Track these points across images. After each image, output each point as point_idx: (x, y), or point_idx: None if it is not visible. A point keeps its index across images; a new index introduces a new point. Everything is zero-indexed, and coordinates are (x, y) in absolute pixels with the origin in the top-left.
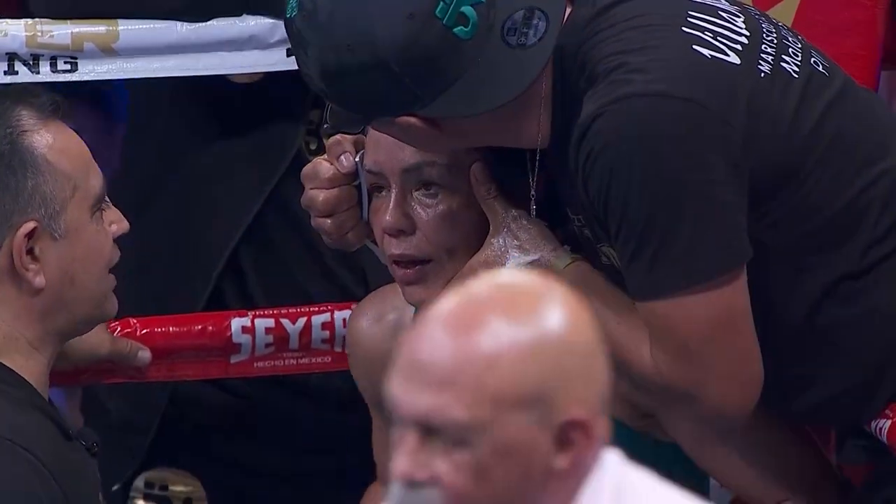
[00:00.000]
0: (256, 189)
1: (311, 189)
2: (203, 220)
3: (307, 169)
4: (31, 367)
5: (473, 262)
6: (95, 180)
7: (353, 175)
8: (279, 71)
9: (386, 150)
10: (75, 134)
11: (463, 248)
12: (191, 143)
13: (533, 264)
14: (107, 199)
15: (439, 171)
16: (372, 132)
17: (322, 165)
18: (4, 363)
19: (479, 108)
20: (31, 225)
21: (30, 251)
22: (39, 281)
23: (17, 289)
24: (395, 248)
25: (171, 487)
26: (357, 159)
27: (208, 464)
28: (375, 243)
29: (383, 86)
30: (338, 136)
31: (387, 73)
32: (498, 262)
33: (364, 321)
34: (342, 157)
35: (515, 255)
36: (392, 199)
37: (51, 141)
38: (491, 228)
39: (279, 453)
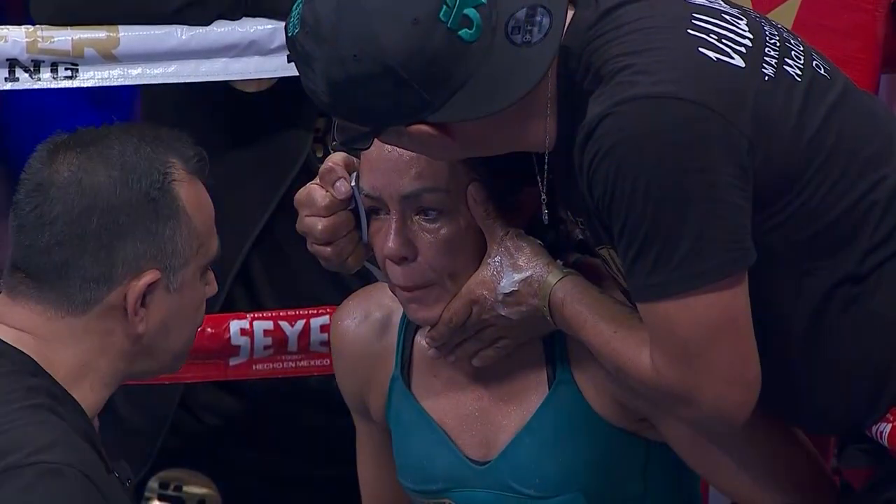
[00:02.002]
0: (266, 197)
1: (308, 217)
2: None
3: (301, 196)
4: (92, 400)
5: (471, 283)
6: (214, 243)
7: (349, 199)
8: (286, 78)
9: (383, 175)
10: (208, 194)
11: (465, 270)
12: None
13: (526, 280)
14: None
15: (438, 196)
16: (366, 155)
17: (317, 192)
18: (71, 393)
19: (490, 108)
20: (155, 275)
21: (142, 298)
22: (142, 328)
23: (119, 327)
24: (398, 274)
25: (186, 488)
26: (353, 183)
27: (221, 469)
28: (374, 263)
29: (392, 94)
30: (329, 163)
31: (395, 81)
32: (494, 281)
33: (350, 321)
34: (337, 183)
35: (509, 273)
36: (393, 226)
37: (193, 196)
38: (488, 248)
39: (292, 459)
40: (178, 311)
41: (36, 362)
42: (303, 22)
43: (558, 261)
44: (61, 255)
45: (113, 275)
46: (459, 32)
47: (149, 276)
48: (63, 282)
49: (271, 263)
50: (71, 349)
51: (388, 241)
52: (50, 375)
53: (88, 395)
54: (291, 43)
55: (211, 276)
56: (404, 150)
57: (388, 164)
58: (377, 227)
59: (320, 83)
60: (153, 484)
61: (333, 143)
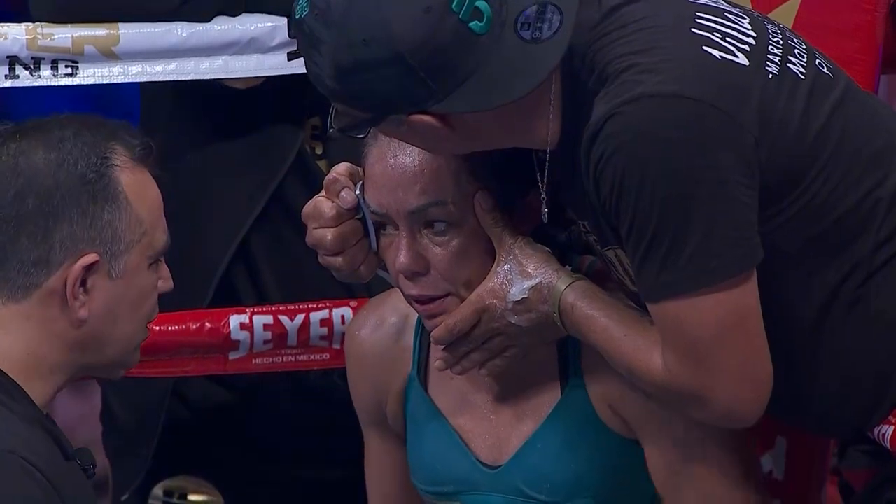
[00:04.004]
0: (259, 188)
1: (317, 229)
2: (208, 219)
3: (308, 209)
4: (41, 389)
5: (481, 291)
6: (162, 234)
7: (356, 208)
8: (276, 75)
9: (389, 192)
10: (155, 184)
11: (478, 277)
12: (191, 145)
13: (536, 287)
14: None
15: (444, 209)
16: (370, 172)
17: (324, 204)
18: (19, 383)
19: (494, 102)
20: (93, 257)
21: (83, 282)
22: (83, 313)
23: (60, 314)
24: (412, 288)
25: (190, 496)
26: (357, 192)
27: (221, 473)
28: (387, 271)
29: (398, 81)
30: (333, 174)
31: (403, 68)
32: (503, 289)
33: (366, 329)
34: (343, 192)
35: (519, 280)
36: (403, 242)
37: (135, 183)
38: (497, 257)
39: (292, 461)
40: (124, 300)
41: None
42: (312, 5)
43: (567, 267)
44: None
45: (51, 258)
46: (470, 24)
47: (86, 259)
48: (1, 267)
49: (273, 249)
50: (15, 338)
51: (399, 256)
52: None
53: (38, 386)
54: (299, 25)
55: (166, 271)
56: (408, 166)
57: (393, 180)
58: (387, 243)
59: (326, 67)
60: (157, 492)
61: (331, 130)
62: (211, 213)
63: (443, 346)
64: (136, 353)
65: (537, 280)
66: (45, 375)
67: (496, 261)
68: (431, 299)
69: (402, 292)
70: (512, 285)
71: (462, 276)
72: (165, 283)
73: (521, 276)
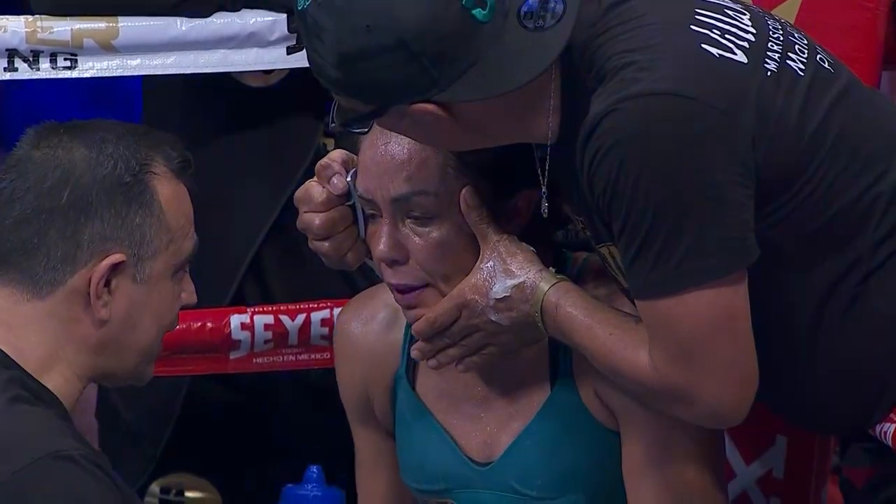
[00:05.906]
0: (277, 190)
1: (306, 213)
2: (225, 223)
3: (299, 193)
4: (67, 391)
5: (463, 286)
6: (189, 243)
7: (347, 195)
8: (294, 74)
9: (375, 178)
10: (189, 198)
11: (457, 273)
12: (206, 145)
13: (518, 286)
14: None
15: (428, 200)
16: (361, 158)
17: (315, 189)
18: (45, 384)
19: (497, 89)
20: (119, 257)
21: (107, 283)
22: (104, 313)
23: (82, 313)
24: (391, 276)
25: (187, 493)
26: (349, 179)
27: (222, 471)
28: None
29: (402, 69)
30: (325, 159)
31: (406, 55)
32: (486, 286)
33: (356, 323)
34: (334, 178)
35: (502, 278)
36: (384, 230)
37: (170, 193)
38: (481, 253)
39: (292, 460)
40: (145, 305)
41: (5, 353)
42: None
43: (551, 268)
44: (28, 230)
45: (78, 255)
46: (473, 11)
47: (112, 258)
48: (28, 261)
49: (283, 255)
50: (36, 336)
51: (379, 243)
52: (21, 367)
53: (63, 386)
54: (301, 16)
55: (190, 285)
56: (397, 154)
57: (380, 167)
58: (373, 231)
59: (329, 56)
60: (154, 489)
61: (332, 125)
62: (232, 211)
63: (419, 343)
64: (150, 367)
65: (521, 279)
66: (70, 377)
67: (480, 257)
68: (409, 288)
69: (384, 280)
70: (495, 282)
71: (440, 269)
72: (189, 296)
73: (505, 273)
